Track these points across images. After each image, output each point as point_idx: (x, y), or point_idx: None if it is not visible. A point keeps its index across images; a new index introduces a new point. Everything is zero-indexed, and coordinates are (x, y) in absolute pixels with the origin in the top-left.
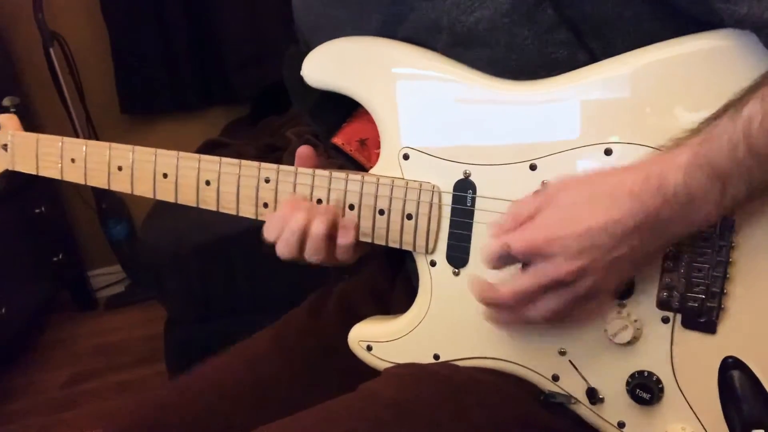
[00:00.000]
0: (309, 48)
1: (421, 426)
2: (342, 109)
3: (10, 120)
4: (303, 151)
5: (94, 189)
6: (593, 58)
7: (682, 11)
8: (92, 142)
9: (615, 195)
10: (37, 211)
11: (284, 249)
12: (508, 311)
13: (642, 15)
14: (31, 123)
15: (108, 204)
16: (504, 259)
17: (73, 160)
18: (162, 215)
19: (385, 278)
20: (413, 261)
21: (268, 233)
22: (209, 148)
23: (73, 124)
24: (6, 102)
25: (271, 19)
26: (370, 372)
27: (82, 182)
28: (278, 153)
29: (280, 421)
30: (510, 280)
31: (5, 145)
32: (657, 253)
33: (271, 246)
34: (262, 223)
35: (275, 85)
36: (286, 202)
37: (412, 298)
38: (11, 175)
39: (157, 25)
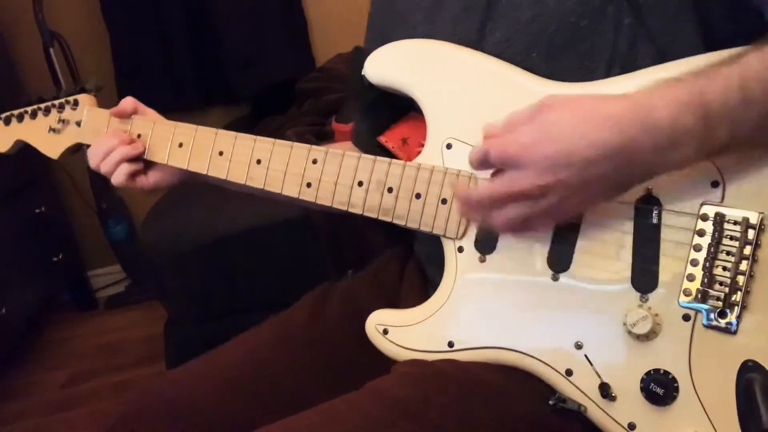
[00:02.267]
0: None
1: (428, 426)
2: (393, 112)
3: (88, 99)
4: (126, 100)
5: (94, 189)
6: (630, 26)
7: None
8: (159, 122)
9: (596, 118)
10: (37, 211)
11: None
12: (476, 210)
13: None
14: None
15: (108, 204)
16: (483, 163)
17: (139, 136)
18: (162, 215)
19: (391, 273)
20: (426, 245)
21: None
22: None
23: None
24: (88, 85)
25: (271, 20)
26: (374, 366)
27: (144, 156)
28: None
29: (285, 420)
30: (484, 183)
31: (79, 121)
32: (629, 184)
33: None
34: (262, 223)
35: (275, 85)
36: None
37: (421, 292)
38: (12, 175)
39: (157, 25)
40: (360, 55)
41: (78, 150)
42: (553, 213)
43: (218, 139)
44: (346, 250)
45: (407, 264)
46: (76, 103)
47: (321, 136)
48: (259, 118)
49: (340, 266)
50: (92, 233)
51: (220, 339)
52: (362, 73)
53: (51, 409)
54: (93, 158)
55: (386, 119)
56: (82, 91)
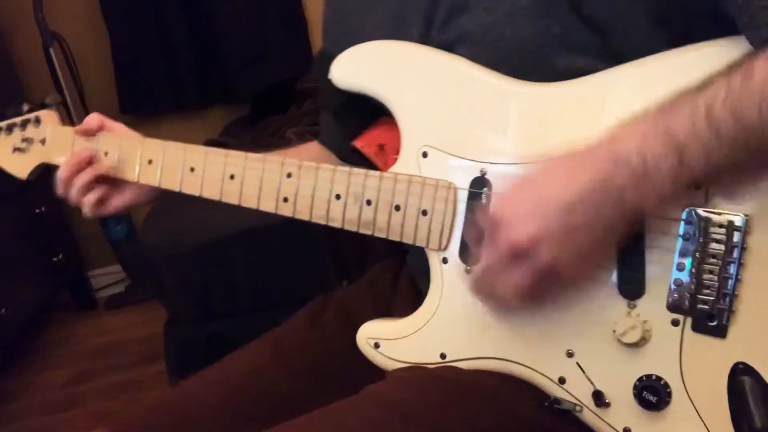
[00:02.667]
0: (335, 48)
1: (426, 429)
2: (365, 115)
3: (51, 116)
4: (91, 117)
5: None
6: (588, 39)
7: (686, 8)
8: (126, 138)
9: (566, 161)
10: (37, 211)
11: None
12: (484, 288)
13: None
14: None
15: None
16: (477, 233)
17: (106, 154)
18: (162, 215)
19: (385, 282)
20: (420, 260)
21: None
22: None
23: (73, 125)
24: (48, 100)
25: (271, 20)
26: (371, 377)
27: (113, 175)
28: (307, 138)
29: (284, 423)
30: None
31: (43, 139)
32: (617, 226)
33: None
34: (262, 223)
35: (275, 85)
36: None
37: (415, 301)
38: (12, 175)
39: (157, 25)
40: (325, 57)
41: (47, 168)
42: (555, 275)
43: (188, 155)
44: (345, 250)
45: (401, 274)
46: (38, 120)
47: None
48: (259, 118)
49: (340, 266)
50: (92, 233)
51: (220, 339)
52: (329, 77)
53: (51, 409)
54: (59, 185)
55: (359, 122)
56: (44, 107)
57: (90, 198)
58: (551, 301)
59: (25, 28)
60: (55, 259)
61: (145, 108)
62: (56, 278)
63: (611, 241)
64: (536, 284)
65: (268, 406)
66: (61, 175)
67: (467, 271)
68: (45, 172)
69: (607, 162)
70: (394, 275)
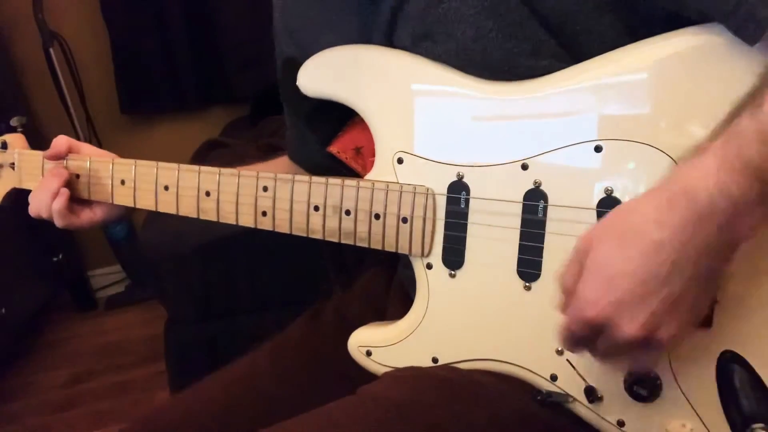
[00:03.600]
0: (292, 51)
1: (422, 428)
2: (337, 118)
3: (17, 139)
4: (59, 140)
5: None
6: (559, 52)
7: (646, 5)
8: (96, 159)
9: (644, 232)
10: None
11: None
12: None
13: (604, 9)
14: (31, 124)
15: None
16: (580, 341)
17: (78, 176)
18: (162, 215)
19: (380, 287)
20: (407, 267)
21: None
22: (209, 148)
23: (73, 125)
24: (14, 122)
25: (271, 20)
26: (368, 380)
27: (87, 197)
28: (279, 153)
29: (280, 423)
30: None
31: (12, 163)
32: (722, 266)
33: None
34: None
35: (275, 85)
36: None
37: (407, 305)
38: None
39: (157, 25)
40: (290, 65)
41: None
42: (680, 330)
43: (160, 173)
44: (345, 250)
45: (393, 278)
46: (4, 145)
47: None
48: (259, 118)
49: (339, 266)
50: (92, 233)
51: (220, 339)
52: (296, 84)
53: (51, 409)
54: (33, 210)
55: (332, 127)
56: (9, 129)
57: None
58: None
59: (25, 28)
60: (55, 259)
61: (145, 108)
62: (56, 278)
63: (720, 277)
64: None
65: (267, 411)
66: (35, 200)
67: (452, 276)
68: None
69: (686, 218)
70: (388, 279)
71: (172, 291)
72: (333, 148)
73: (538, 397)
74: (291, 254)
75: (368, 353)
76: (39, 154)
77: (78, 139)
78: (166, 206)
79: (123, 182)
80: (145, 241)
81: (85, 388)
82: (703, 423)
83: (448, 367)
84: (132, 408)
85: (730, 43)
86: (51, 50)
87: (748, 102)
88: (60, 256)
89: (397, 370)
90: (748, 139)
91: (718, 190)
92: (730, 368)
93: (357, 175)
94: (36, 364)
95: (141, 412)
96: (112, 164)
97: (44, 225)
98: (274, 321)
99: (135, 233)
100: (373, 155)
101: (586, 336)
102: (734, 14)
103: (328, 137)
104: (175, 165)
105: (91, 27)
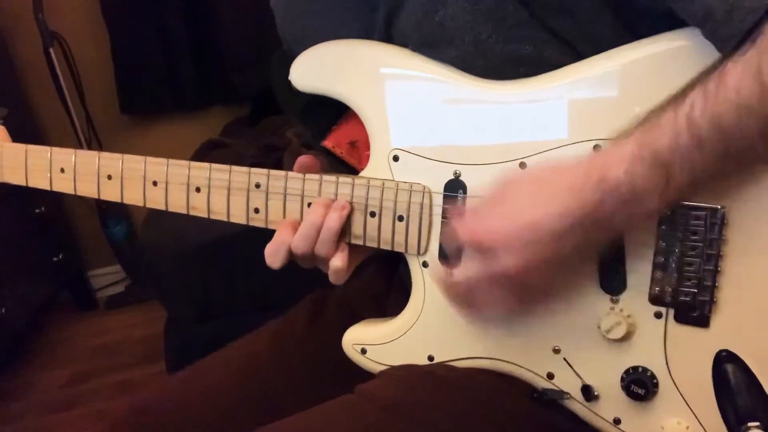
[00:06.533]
0: (294, 55)
1: (418, 426)
2: (331, 112)
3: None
4: (304, 160)
5: None
6: (561, 52)
7: (639, 5)
8: (81, 152)
9: (555, 191)
10: (37, 211)
11: (300, 242)
12: (463, 300)
13: (600, 7)
14: (31, 124)
15: (108, 204)
16: (455, 251)
17: (62, 170)
18: (162, 215)
19: (382, 281)
20: (406, 264)
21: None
22: (209, 148)
23: (73, 124)
24: None
25: (271, 20)
26: (369, 374)
27: (72, 192)
28: (278, 153)
29: (278, 422)
30: (462, 268)
31: None
32: (603, 244)
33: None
34: None
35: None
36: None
37: (407, 302)
38: None
39: (157, 25)
40: (284, 59)
41: None
42: (544, 286)
43: (149, 168)
44: None
45: (396, 271)
46: None
47: None
48: (259, 118)
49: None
50: (92, 233)
51: (220, 339)
52: (289, 79)
53: (51, 409)
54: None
55: (326, 121)
56: None
57: None
58: (529, 311)
59: (25, 28)
60: (55, 259)
61: (145, 108)
62: (56, 278)
63: (595, 254)
64: (520, 301)
65: (265, 399)
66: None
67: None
68: None
69: (594, 193)
70: (390, 274)
71: (172, 291)
72: (327, 143)
73: (534, 395)
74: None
75: (363, 351)
76: (22, 147)
77: (78, 138)
78: (155, 202)
79: (110, 177)
80: (145, 241)
81: (85, 388)
82: (699, 421)
83: (444, 366)
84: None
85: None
86: (51, 50)
87: (678, 95)
88: (60, 256)
89: (394, 368)
90: (663, 133)
91: (625, 178)
92: (726, 368)
93: (352, 169)
94: (36, 364)
95: (129, 402)
96: (99, 158)
97: (44, 225)
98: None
99: (135, 233)
100: (368, 149)
101: (466, 252)
102: (703, 26)
103: (323, 132)
104: (163, 160)
105: (91, 27)
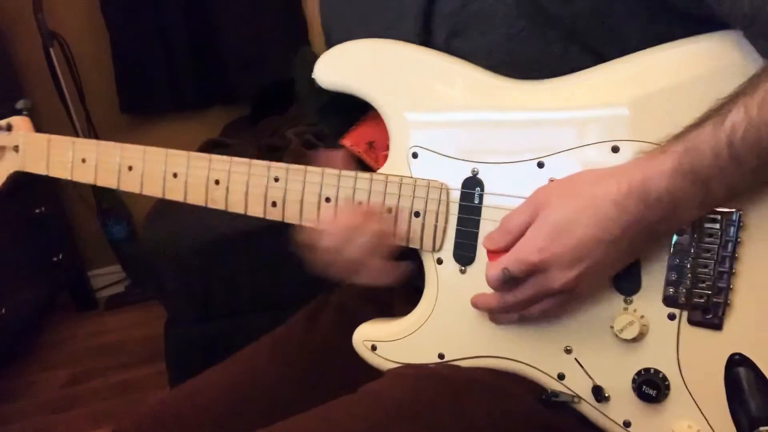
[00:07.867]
0: (332, 43)
1: (423, 427)
2: (351, 111)
3: (23, 122)
4: (329, 153)
5: (94, 189)
6: (585, 54)
7: (673, 6)
8: (104, 143)
9: (600, 206)
10: (37, 211)
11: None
12: (510, 315)
13: (635, 11)
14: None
15: (108, 204)
16: (508, 282)
17: (83, 161)
18: (162, 215)
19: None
20: (416, 261)
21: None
22: (209, 148)
23: (73, 124)
24: (19, 105)
25: (271, 20)
26: (369, 378)
27: (92, 182)
28: (278, 153)
29: (282, 422)
30: (512, 292)
31: (17, 146)
32: (648, 248)
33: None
34: (263, 223)
35: (275, 85)
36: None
37: (413, 301)
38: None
39: (157, 25)
40: (308, 57)
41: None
42: (588, 292)
43: (170, 160)
44: None
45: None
46: (9, 127)
47: (321, 136)
48: (259, 118)
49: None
50: (92, 233)
51: (220, 339)
52: (312, 77)
53: (51, 409)
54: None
55: (346, 120)
56: (15, 112)
57: None
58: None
59: (25, 28)
60: (55, 259)
61: (145, 108)
62: (56, 278)
63: (639, 255)
64: (563, 309)
65: (268, 407)
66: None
67: (462, 272)
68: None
69: (638, 205)
70: None
71: (172, 291)
72: (345, 142)
73: (543, 397)
74: (291, 254)
75: (373, 348)
76: (45, 137)
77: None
78: (174, 194)
79: (130, 168)
80: (145, 241)
81: (85, 388)
82: (710, 425)
83: (449, 366)
84: (132, 408)
85: (747, 52)
86: (51, 50)
87: (715, 111)
88: (60, 256)
89: (399, 368)
90: (704, 153)
91: (666, 192)
92: (739, 371)
93: (369, 169)
94: (36, 364)
95: (134, 412)
96: (121, 149)
97: (44, 225)
98: (274, 321)
99: (135, 233)
100: (386, 150)
101: (517, 277)
102: (749, 28)
103: (342, 130)
104: (185, 153)
105: (91, 27)
